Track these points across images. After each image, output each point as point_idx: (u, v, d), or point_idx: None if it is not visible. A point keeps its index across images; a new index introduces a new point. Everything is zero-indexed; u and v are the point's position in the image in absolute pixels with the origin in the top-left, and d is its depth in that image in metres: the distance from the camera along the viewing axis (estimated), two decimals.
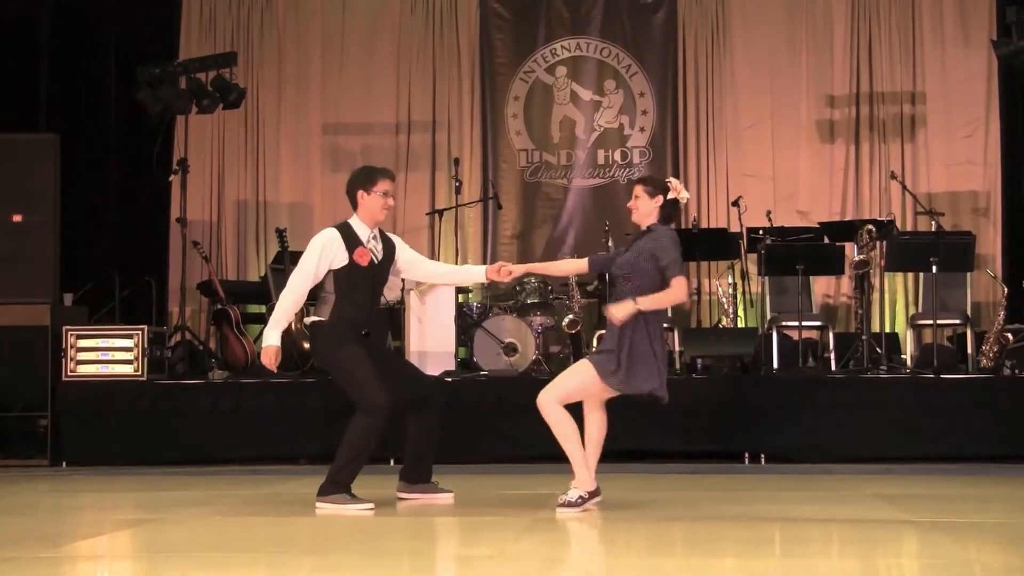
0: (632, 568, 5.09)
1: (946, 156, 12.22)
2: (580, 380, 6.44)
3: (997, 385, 9.29)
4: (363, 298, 6.81)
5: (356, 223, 6.84)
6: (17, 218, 10.04)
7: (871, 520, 6.17)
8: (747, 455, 9.12)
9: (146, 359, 9.55)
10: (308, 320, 6.92)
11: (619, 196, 12.46)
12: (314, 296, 6.98)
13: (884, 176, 12.06)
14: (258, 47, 12.80)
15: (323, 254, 6.74)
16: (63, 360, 9.51)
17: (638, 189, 6.56)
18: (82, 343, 9.56)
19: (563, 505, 6.41)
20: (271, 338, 6.76)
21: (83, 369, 9.54)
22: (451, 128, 12.69)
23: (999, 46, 10.89)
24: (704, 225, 11.91)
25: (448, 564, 5.33)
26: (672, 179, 6.60)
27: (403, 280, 9.30)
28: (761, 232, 10.66)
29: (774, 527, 6.04)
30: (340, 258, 6.75)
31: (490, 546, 5.57)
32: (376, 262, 6.84)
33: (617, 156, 12.58)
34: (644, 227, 6.55)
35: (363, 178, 6.87)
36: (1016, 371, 9.45)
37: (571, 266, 7.43)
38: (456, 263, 11.79)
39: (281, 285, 6.92)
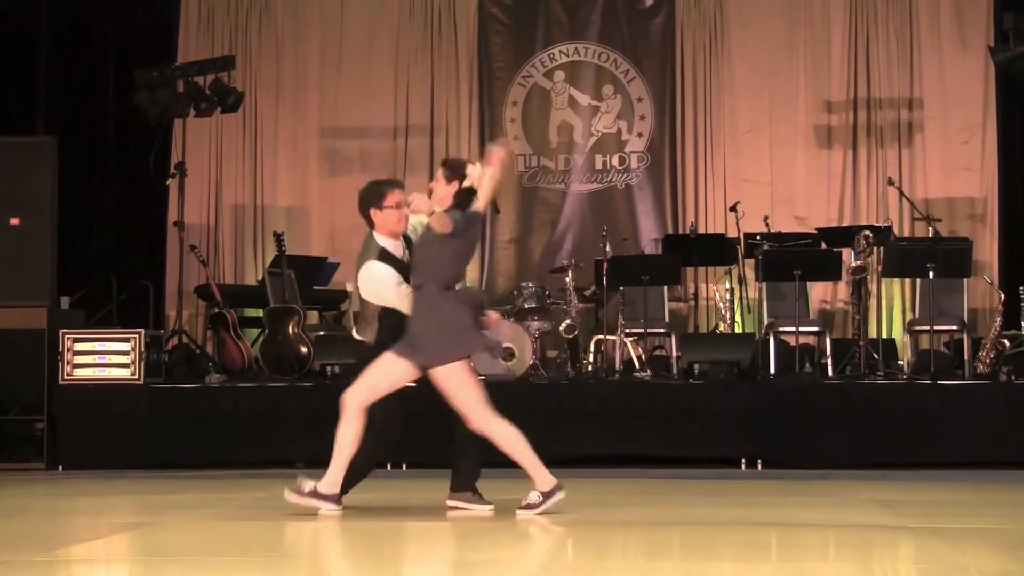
0: (628, 572, 5.09)
1: (943, 162, 12.22)
2: (384, 375, 6.25)
3: (993, 391, 9.30)
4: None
5: (382, 240, 6.54)
6: (14, 221, 10.02)
7: (867, 525, 6.17)
8: (744, 460, 9.12)
9: (143, 363, 9.55)
10: (356, 336, 6.77)
11: (617, 201, 12.49)
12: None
13: (881, 182, 12.06)
14: (256, 50, 12.78)
15: None
16: (60, 363, 9.51)
17: (439, 171, 6.36)
18: (79, 346, 9.56)
19: (524, 507, 6.33)
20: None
21: (80, 372, 9.54)
22: (449, 132, 12.68)
23: (996, 53, 10.89)
24: (701, 230, 11.91)
25: (444, 569, 5.32)
26: (472, 165, 6.25)
27: None
28: (758, 237, 10.67)
29: (770, 532, 6.04)
30: None
31: (486, 551, 5.57)
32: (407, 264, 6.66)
33: (615, 161, 12.57)
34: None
35: (373, 195, 6.58)
36: (1012, 377, 9.47)
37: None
38: None
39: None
